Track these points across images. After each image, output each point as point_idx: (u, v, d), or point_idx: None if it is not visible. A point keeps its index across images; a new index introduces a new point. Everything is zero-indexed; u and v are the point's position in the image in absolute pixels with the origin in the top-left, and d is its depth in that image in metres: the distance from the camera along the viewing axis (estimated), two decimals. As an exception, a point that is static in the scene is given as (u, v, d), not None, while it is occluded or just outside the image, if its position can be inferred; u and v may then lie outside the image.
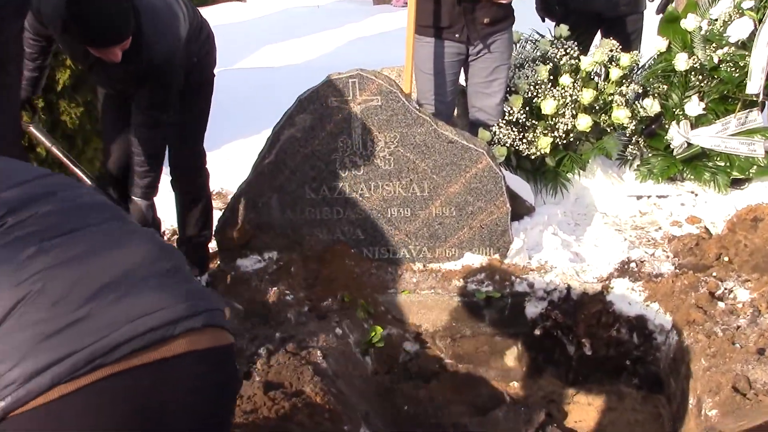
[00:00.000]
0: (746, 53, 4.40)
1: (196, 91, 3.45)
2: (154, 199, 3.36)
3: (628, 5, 5.02)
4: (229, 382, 1.64)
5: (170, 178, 3.71)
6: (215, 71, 3.62)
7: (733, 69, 4.50)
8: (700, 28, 4.65)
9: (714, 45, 4.58)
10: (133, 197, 3.26)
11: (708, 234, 4.27)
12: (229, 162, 5.00)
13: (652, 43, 4.98)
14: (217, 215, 3.94)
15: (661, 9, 5.02)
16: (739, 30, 4.40)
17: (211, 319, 1.55)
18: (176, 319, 1.48)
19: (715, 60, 4.56)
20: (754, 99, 4.53)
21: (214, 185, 4.10)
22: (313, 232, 3.89)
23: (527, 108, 4.56)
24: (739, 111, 4.60)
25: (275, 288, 3.71)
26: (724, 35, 4.50)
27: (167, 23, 3.06)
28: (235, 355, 1.74)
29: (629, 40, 5.04)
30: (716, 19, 4.63)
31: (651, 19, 5.24)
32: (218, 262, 3.94)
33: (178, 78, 3.19)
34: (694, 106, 4.60)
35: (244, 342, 3.27)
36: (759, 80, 4.29)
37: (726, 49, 4.53)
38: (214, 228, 3.90)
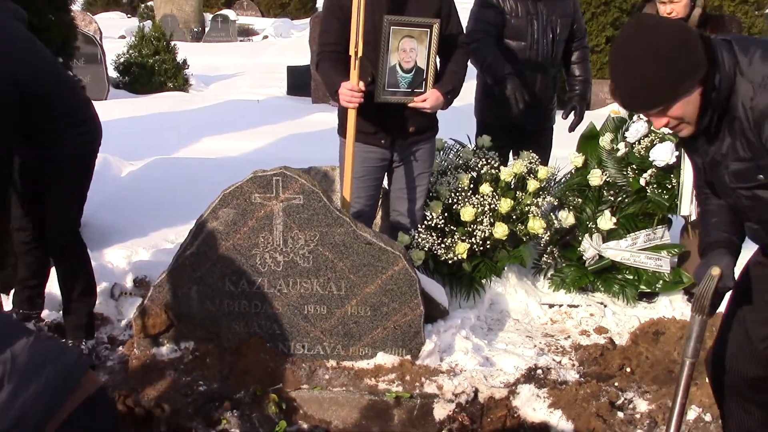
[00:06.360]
0: (671, 175, 4.61)
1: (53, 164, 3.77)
2: None
3: (540, 120, 5.24)
4: None
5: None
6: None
7: (661, 191, 4.66)
8: (616, 149, 4.85)
9: (635, 167, 4.76)
10: None
11: (612, 345, 4.41)
12: (154, 250, 5.04)
13: (566, 156, 5.17)
14: (137, 303, 3.98)
15: (572, 127, 5.14)
16: (663, 153, 4.55)
17: None
18: None
19: (642, 182, 4.72)
20: (669, 217, 4.74)
21: (137, 272, 4.17)
22: (230, 324, 3.91)
23: (447, 214, 4.67)
24: (648, 227, 4.82)
25: (189, 378, 3.74)
26: (648, 159, 4.63)
27: None
28: None
29: (540, 152, 5.20)
30: (634, 142, 4.78)
31: (563, 134, 5.33)
32: (134, 349, 3.94)
33: None
34: (606, 221, 4.79)
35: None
36: (689, 202, 4.46)
37: (650, 171, 4.69)
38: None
